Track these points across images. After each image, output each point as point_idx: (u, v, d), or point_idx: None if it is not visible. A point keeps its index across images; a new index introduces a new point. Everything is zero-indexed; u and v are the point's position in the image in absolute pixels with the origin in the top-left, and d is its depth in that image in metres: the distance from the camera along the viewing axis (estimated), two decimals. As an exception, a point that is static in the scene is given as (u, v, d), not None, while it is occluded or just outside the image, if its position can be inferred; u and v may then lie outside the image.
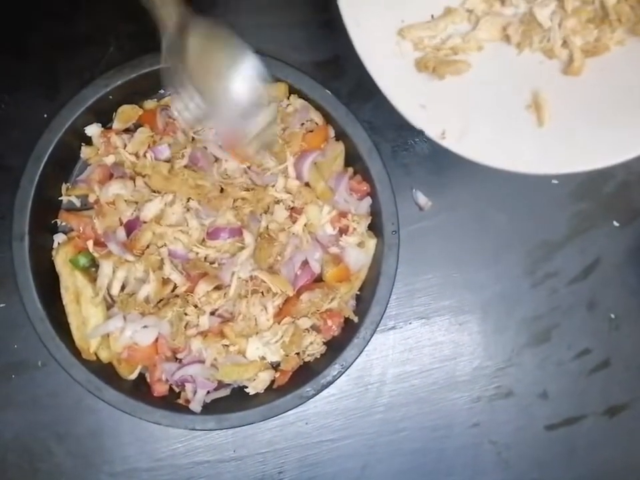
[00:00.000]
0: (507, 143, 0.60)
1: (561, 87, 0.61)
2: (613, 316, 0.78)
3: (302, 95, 0.70)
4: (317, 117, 0.71)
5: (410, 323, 0.77)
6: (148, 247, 0.68)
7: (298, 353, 0.71)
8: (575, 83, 0.61)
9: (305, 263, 0.71)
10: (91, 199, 0.71)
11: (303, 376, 0.70)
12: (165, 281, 0.68)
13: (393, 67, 0.61)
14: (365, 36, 0.58)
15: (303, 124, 0.71)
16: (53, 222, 0.71)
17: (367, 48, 0.59)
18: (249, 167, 0.70)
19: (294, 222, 0.70)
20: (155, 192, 0.69)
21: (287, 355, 0.70)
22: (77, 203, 0.72)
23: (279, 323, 0.69)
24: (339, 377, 0.69)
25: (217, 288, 0.68)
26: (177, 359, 0.70)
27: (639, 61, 0.61)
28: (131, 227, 0.68)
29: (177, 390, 0.71)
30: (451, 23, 0.63)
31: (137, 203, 0.69)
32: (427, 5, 0.64)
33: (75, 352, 0.68)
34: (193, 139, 0.70)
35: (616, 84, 0.61)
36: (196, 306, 0.68)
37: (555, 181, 0.77)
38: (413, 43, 0.62)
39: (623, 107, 0.60)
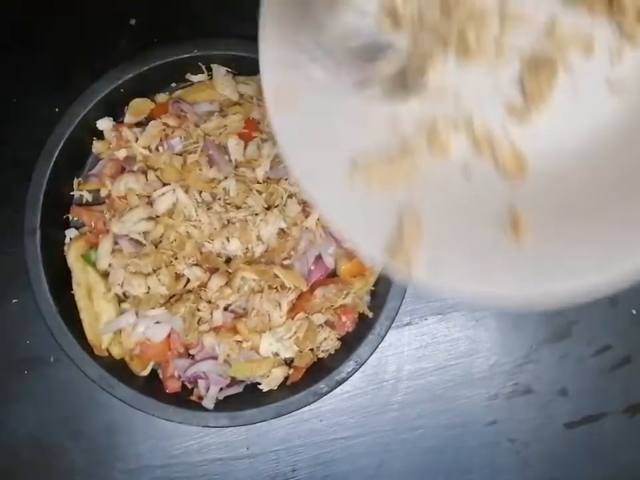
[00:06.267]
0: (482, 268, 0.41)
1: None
2: (634, 312, 0.76)
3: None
4: (331, 109, 0.70)
5: (426, 319, 0.75)
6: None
7: (312, 349, 0.70)
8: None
9: (319, 258, 0.70)
10: (103, 193, 0.70)
11: (316, 372, 0.69)
12: (178, 276, 0.68)
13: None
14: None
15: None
16: (64, 217, 0.71)
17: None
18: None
19: (307, 216, 0.69)
20: (165, 184, 0.68)
21: (301, 351, 0.69)
22: (89, 197, 0.72)
23: (292, 319, 0.68)
24: (353, 374, 0.68)
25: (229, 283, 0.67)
26: (189, 355, 0.70)
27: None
28: (143, 221, 0.68)
29: (189, 386, 0.70)
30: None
31: (148, 197, 0.68)
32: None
33: (87, 348, 0.68)
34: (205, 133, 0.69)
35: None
36: (209, 301, 0.67)
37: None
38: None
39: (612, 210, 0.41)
